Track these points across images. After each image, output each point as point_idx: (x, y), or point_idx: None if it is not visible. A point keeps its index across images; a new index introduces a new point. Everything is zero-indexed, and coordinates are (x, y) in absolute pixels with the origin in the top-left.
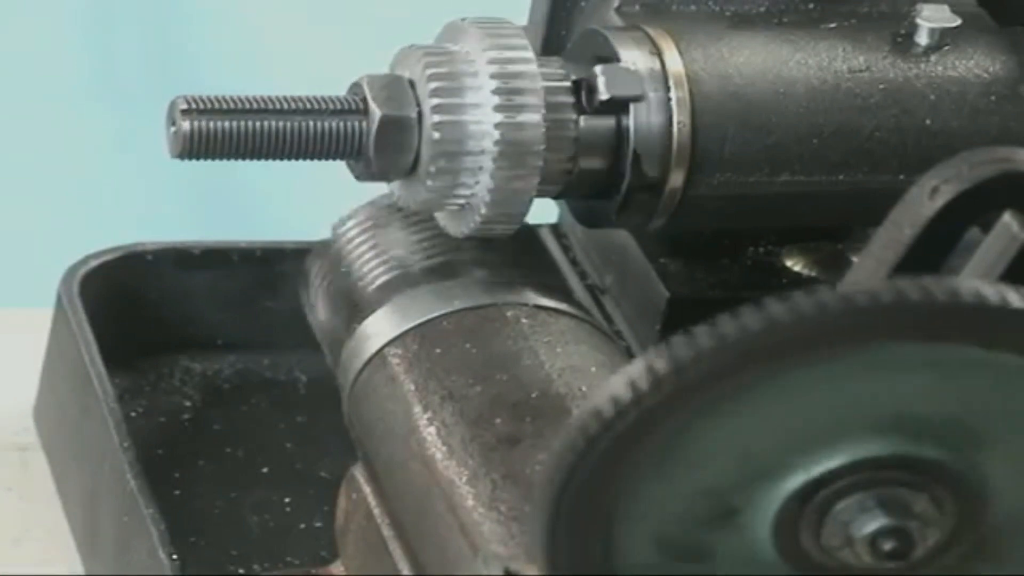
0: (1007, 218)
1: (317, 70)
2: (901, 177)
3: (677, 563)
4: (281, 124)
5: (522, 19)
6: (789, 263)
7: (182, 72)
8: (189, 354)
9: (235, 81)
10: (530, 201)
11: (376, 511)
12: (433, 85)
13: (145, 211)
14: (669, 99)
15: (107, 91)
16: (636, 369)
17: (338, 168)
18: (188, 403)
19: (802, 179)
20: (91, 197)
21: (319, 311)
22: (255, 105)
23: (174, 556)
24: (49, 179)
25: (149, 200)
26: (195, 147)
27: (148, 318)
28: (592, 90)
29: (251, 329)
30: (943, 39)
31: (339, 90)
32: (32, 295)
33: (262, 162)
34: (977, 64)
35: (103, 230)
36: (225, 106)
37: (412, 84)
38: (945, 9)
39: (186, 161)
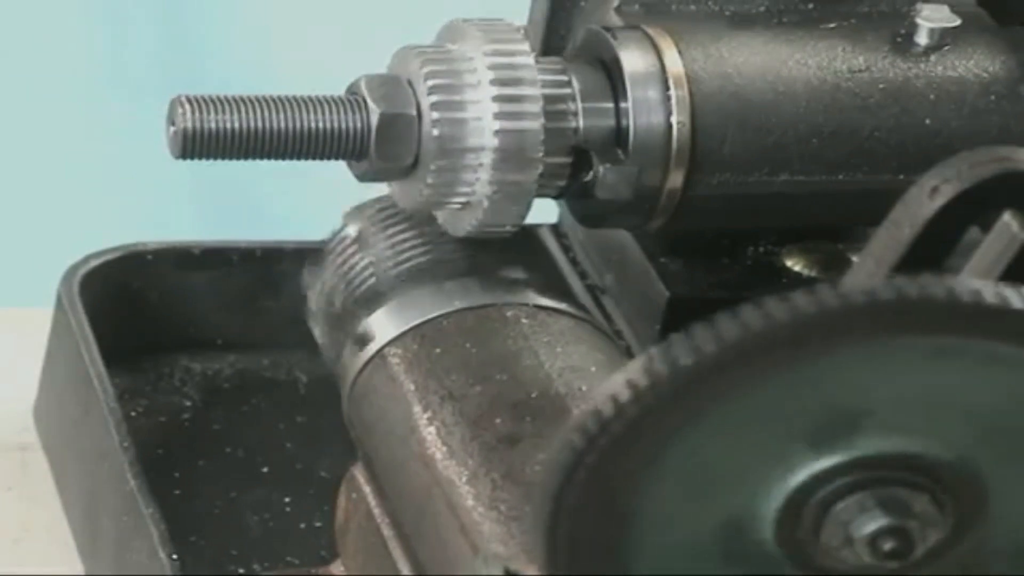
0: (1007, 218)
1: (323, 68)
2: (901, 177)
3: (677, 563)
4: (281, 124)
5: (522, 19)
6: (789, 263)
7: (185, 71)
8: (189, 354)
9: (242, 78)
10: (530, 201)
11: (376, 511)
12: (432, 85)
13: (146, 210)
14: (669, 99)
15: (108, 91)
16: (635, 368)
17: (339, 168)
18: (188, 403)
19: (802, 179)
20: (91, 196)
21: (319, 311)
22: (255, 105)
23: (174, 556)
24: (50, 178)
25: (150, 199)
26: (195, 147)
27: (148, 318)
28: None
29: (251, 329)
30: (943, 39)
31: (344, 88)
32: (32, 295)
33: (265, 161)
34: (977, 64)
35: (103, 230)
36: (225, 106)
37: (411, 84)
38: (945, 9)
39: (187, 161)
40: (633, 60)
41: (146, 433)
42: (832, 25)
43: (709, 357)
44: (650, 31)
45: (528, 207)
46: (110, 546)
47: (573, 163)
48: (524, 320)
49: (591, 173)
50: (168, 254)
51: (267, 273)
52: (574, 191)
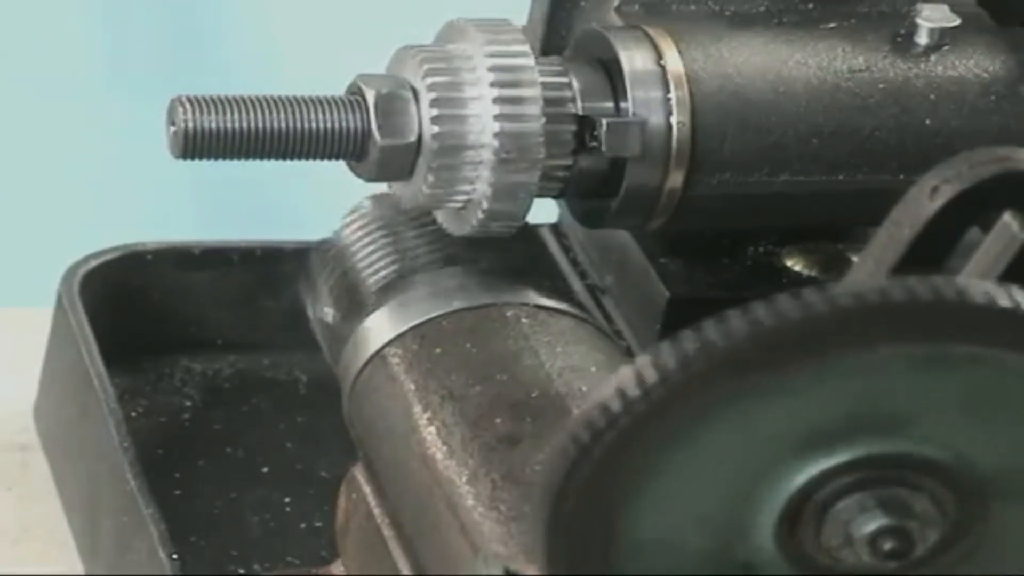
0: (1007, 218)
1: (324, 67)
2: (901, 177)
3: (677, 563)
4: (281, 124)
5: (522, 19)
6: (789, 263)
7: (186, 70)
8: (189, 354)
9: (243, 78)
10: (530, 201)
11: (376, 511)
12: (432, 86)
13: (146, 210)
14: (669, 99)
15: (108, 91)
16: (637, 367)
17: (339, 168)
18: (188, 403)
19: (802, 179)
20: (91, 196)
21: (319, 311)
22: (255, 105)
23: (174, 556)
24: (50, 178)
25: (150, 199)
26: (195, 147)
27: (148, 318)
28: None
29: (251, 329)
30: (943, 39)
31: (344, 88)
32: (32, 295)
33: (265, 161)
34: (977, 64)
35: (103, 230)
36: (225, 106)
37: (410, 84)
38: (945, 9)
39: (187, 161)
40: (633, 60)
41: (146, 433)
42: (832, 25)
43: (716, 354)
44: (650, 31)
45: (528, 207)
46: (110, 546)
47: (576, 132)
48: (524, 320)
49: (595, 136)
50: (168, 254)
51: (267, 273)
52: (577, 175)
